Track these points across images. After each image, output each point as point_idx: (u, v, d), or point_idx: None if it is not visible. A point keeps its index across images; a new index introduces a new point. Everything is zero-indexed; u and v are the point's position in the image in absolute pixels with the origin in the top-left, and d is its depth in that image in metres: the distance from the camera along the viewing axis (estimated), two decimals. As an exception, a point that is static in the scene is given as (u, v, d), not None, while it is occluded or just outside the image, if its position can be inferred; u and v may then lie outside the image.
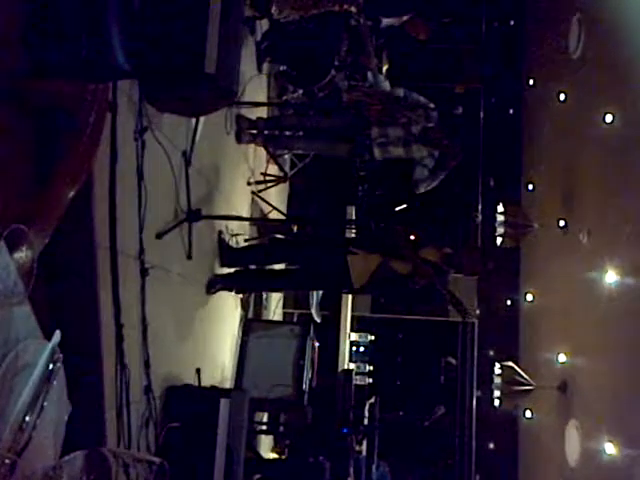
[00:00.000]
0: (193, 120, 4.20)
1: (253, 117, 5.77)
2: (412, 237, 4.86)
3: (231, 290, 5.23)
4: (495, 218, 9.19)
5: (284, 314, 8.41)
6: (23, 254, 1.35)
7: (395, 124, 5.46)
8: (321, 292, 8.24)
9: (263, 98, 6.51)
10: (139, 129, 3.40)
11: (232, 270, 5.21)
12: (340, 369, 10.22)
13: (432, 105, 5.49)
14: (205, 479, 3.74)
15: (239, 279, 5.19)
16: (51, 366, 1.38)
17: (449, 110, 5.94)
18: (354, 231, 9.36)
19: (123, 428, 3.27)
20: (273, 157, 6.43)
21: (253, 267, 5.89)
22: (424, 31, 7.55)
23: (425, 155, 5.43)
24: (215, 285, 4.94)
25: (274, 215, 6.85)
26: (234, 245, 5.39)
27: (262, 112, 6.17)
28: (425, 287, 4.83)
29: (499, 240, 9.15)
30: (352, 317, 10.96)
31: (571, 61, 8.79)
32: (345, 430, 7.97)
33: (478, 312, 5.26)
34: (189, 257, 4.30)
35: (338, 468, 7.19)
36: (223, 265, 5.18)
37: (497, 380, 8.79)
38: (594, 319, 7.53)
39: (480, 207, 11.32)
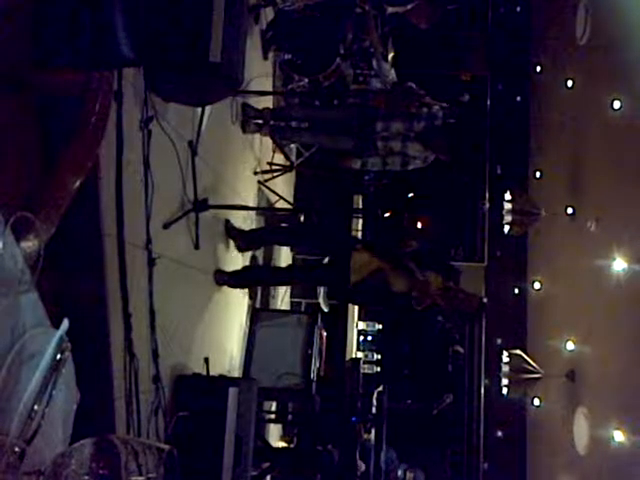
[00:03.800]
0: (199, 109, 4.19)
1: (259, 106, 5.75)
2: (419, 224, 4.83)
3: (236, 287, 5.25)
4: (502, 206, 9.16)
5: (292, 303, 8.40)
6: (30, 242, 1.35)
7: (399, 117, 5.44)
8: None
9: (269, 87, 6.49)
10: (145, 118, 3.39)
11: (239, 268, 5.21)
12: (348, 358, 10.22)
13: (437, 106, 5.45)
14: (214, 467, 3.76)
15: (244, 278, 5.19)
16: (59, 355, 1.37)
17: (456, 97, 5.91)
18: (361, 221, 9.34)
19: (132, 417, 3.28)
20: (279, 146, 6.42)
21: (258, 265, 5.91)
22: (426, 19, 7.48)
23: (417, 154, 5.45)
24: (221, 281, 4.94)
25: (281, 204, 6.84)
26: (244, 228, 5.40)
27: (268, 102, 6.15)
28: (428, 309, 4.71)
29: (506, 228, 9.13)
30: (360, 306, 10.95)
31: (578, 47, 8.73)
32: (353, 419, 7.97)
33: (486, 300, 5.23)
34: (196, 247, 4.31)
35: (346, 456, 7.20)
36: (240, 250, 5.21)
37: (505, 368, 8.78)
38: (602, 307, 7.51)
39: (487, 195, 11.28)
